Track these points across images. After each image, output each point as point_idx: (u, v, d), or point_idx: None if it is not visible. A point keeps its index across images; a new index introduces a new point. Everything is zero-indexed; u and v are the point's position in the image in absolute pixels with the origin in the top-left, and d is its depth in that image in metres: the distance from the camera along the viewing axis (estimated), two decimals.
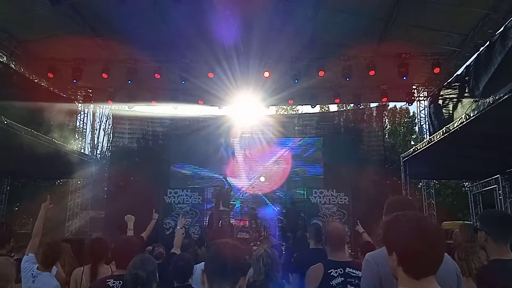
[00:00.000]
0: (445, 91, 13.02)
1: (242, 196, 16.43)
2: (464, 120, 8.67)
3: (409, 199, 4.07)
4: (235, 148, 16.79)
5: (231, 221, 14.25)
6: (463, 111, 10.54)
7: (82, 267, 4.23)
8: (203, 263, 3.55)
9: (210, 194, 15.46)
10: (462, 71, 11.73)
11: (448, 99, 12.74)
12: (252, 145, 16.80)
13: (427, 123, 15.10)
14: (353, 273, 3.23)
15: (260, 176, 16.57)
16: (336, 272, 3.25)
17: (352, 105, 20.09)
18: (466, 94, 11.24)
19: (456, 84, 12.18)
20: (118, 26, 11.55)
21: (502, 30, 9.17)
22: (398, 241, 1.63)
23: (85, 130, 17.43)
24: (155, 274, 2.69)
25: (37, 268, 4.00)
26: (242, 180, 16.59)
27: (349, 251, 6.97)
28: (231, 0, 10.37)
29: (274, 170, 16.52)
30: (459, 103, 11.78)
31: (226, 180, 14.98)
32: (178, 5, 9.55)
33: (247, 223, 14.10)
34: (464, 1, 9.34)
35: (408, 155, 13.61)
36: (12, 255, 5.49)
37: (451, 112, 12.42)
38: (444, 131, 9.98)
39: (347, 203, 14.85)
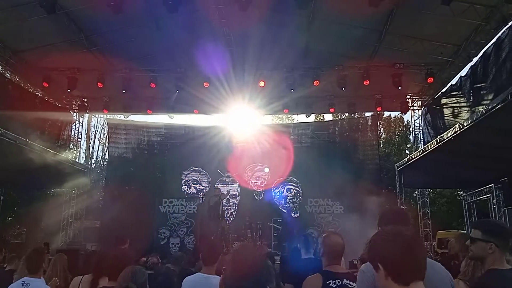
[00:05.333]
0: (439, 100, 13.11)
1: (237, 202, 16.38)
2: (458, 129, 8.73)
3: (402, 210, 4.06)
4: (231, 157, 16.72)
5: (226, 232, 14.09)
6: (457, 120, 10.60)
7: (81, 276, 4.15)
8: (195, 275, 3.54)
9: (205, 204, 15.25)
10: (457, 81, 11.82)
11: (442, 109, 12.82)
12: (248, 154, 16.76)
13: (421, 132, 15.17)
14: (350, 285, 3.22)
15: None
16: (334, 283, 3.23)
17: (347, 114, 20.16)
18: (460, 104, 11.32)
19: (450, 93, 12.27)
20: (113, 35, 11.62)
21: (496, 41, 9.26)
22: (382, 253, 1.72)
23: (80, 140, 17.37)
24: (145, 286, 2.67)
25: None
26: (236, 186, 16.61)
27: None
28: (226, 10, 10.43)
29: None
30: (453, 113, 11.86)
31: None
32: (173, 16, 9.58)
33: (242, 233, 13.98)
34: (457, 12, 9.44)
35: (403, 164, 13.66)
36: (5, 266, 5.42)
37: (445, 121, 12.49)
38: (438, 140, 10.04)
39: (342, 212, 14.84)
